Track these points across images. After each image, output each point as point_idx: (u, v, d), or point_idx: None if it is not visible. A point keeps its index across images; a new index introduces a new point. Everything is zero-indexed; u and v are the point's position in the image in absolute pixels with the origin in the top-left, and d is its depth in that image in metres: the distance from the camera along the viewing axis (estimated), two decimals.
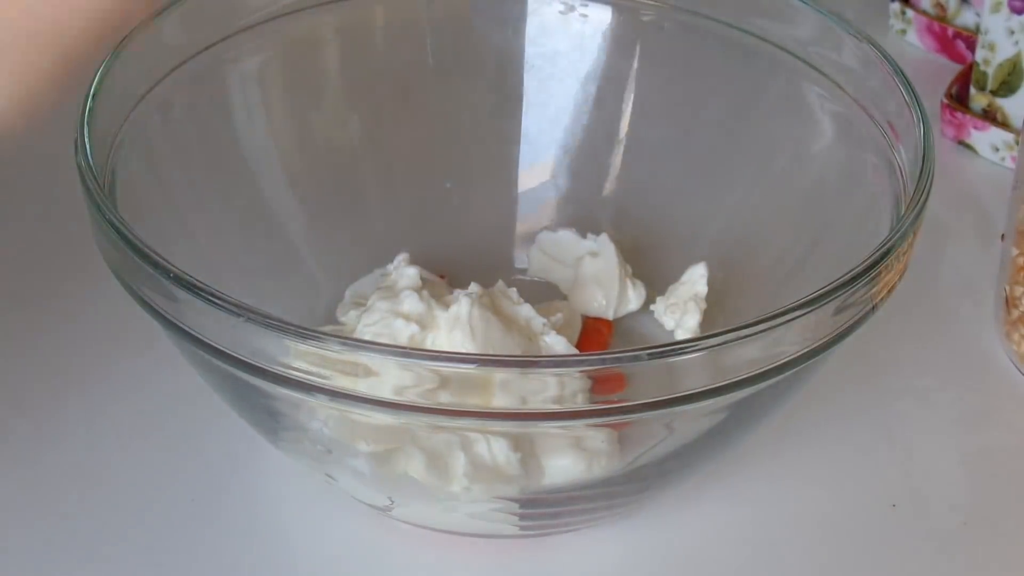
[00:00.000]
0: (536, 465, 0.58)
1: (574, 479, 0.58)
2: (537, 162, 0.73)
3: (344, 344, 0.51)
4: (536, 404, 0.51)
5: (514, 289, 0.64)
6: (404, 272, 0.64)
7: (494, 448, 0.57)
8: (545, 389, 0.51)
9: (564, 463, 0.58)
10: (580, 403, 0.51)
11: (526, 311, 0.63)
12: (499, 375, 0.50)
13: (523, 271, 0.72)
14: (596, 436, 0.58)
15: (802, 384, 0.57)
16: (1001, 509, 0.65)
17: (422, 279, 0.64)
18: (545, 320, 0.63)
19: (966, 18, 0.90)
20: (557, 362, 0.53)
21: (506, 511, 0.59)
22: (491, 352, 0.60)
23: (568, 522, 0.62)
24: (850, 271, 0.54)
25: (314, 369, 0.51)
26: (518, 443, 0.57)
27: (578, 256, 0.70)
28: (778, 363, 0.53)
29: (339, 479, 0.60)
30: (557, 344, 0.63)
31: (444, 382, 0.50)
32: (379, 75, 0.72)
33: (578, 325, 0.69)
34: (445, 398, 0.51)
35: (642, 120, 0.72)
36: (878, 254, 0.55)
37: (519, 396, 0.51)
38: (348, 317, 0.65)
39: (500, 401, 0.51)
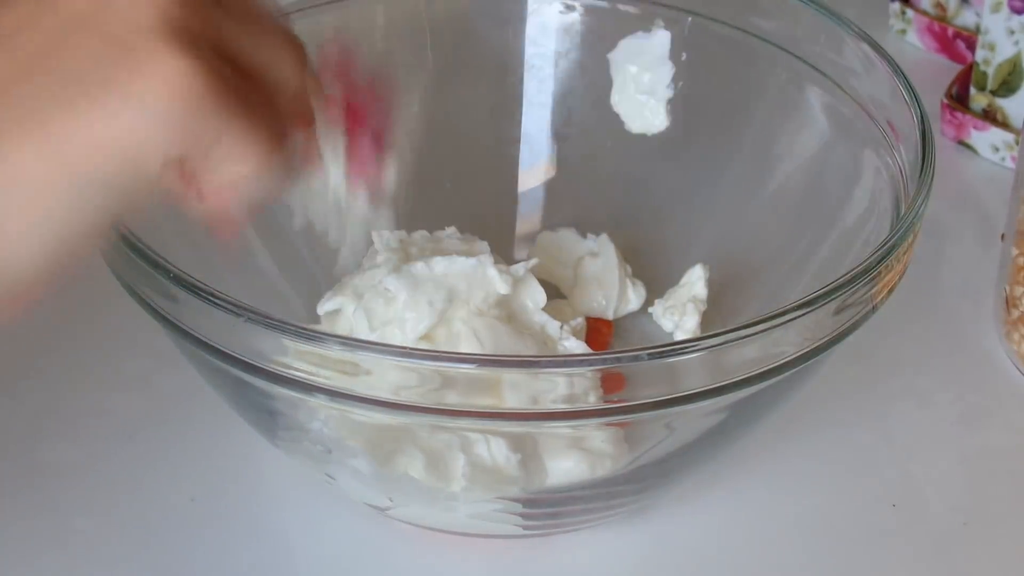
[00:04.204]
0: (539, 466, 0.58)
1: (577, 480, 0.58)
2: (537, 162, 0.73)
3: (344, 344, 0.51)
4: (536, 405, 0.51)
5: (522, 264, 0.63)
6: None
7: (493, 449, 0.57)
8: (552, 389, 0.51)
9: (567, 464, 0.58)
10: (590, 403, 0.51)
11: (540, 316, 0.63)
12: (505, 375, 0.50)
13: None
14: (599, 437, 0.58)
15: (802, 384, 0.57)
16: (1001, 509, 0.65)
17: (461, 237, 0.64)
18: (561, 325, 0.63)
19: (966, 18, 0.90)
20: (557, 362, 0.53)
21: (509, 511, 0.59)
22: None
23: (570, 522, 0.62)
24: (850, 271, 0.54)
25: (313, 369, 0.51)
26: (518, 444, 0.57)
27: (578, 256, 0.70)
28: (778, 363, 0.53)
29: (339, 479, 0.60)
30: (576, 349, 0.62)
31: (446, 382, 0.50)
32: (379, 75, 0.72)
33: (581, 326, 0.69)
34: (447, 398, 0.51)
35: None
36: (878, 254, 0.55)
37: (525, 396, 0.51)
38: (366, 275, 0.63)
39: (500, 401, 0.51)
